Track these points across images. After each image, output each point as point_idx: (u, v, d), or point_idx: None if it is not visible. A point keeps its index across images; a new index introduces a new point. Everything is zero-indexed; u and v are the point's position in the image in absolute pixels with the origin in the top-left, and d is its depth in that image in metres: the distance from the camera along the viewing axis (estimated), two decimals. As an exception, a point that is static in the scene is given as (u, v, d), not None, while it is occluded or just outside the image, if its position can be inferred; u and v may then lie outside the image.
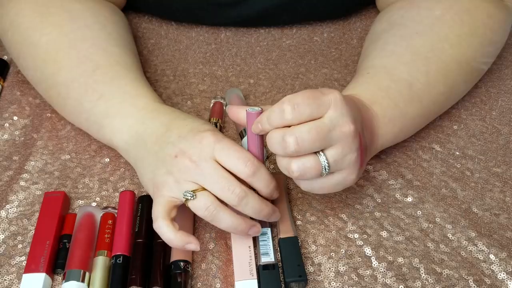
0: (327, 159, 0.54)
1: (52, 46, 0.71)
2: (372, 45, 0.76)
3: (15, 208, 0.68)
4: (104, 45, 0.72)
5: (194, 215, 0.67)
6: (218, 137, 0.57)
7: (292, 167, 0.54)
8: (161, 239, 0.62)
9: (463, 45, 0.71)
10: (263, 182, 0.58)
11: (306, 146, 0.53)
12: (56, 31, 0.72)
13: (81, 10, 0.74)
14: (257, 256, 0.62)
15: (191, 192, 0.56)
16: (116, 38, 0.74)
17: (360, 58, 0.78)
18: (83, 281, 0.59)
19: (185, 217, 0.65)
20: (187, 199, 0.56)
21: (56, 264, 0.62)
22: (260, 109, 0.57)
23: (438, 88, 0.70)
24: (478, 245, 0.64)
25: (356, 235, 0.65)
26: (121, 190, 0.70)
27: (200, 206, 0.56)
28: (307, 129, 0.52)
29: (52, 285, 0.61)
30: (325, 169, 0.54)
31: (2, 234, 0.65)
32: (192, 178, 0.57)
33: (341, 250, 0.64)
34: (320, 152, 0.54)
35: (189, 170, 0.57)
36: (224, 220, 0.57)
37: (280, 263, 0.62)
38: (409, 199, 0.69)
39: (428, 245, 0.64)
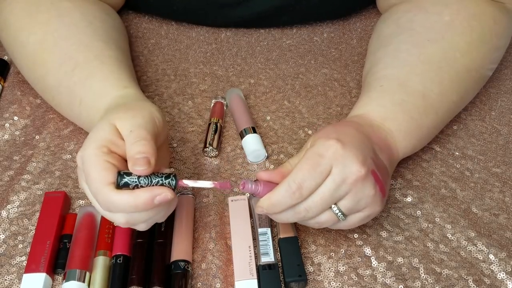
0: (340, 210, 0.56)
1: (39, 46, 0.71)
2: (383, 50, 0.74)
3: (15, 208, 0.68)
4: (87, 41, 0.71)
5: (194, 215, 0.67)
6: (83, 161, 0.54)
7: (310, 224, 0.58)
8: (161, 239, 0.63)
9: (473, 53, 0.71)
10: (123, 211, 0.54)
11: (315, 211, 0.56)
12: (42, 30, 0.72)
13: (69, 8, 0.74)
14: (257, 256, 0.62)
15: None
16: (101, 34, 0.74)
17: (368, 61, 0.77)
18: (83, 281, 0.59)
19: (185, 217, 0.65)
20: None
21: (57, 264, 0.62)
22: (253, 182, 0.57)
23: (451, 97, 0.69)
24: (477, 245, 0.64)
25: (356, 235, 0.65)
26: (122, 190, 0.70)
27: None
28: (312, 200, 0.55)
29: (52, 285, 0.61)
30: (341, 217, 0.56)
31: (3, 234, 0.65)
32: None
33: (341, 250, 0.64)
34: (333, 205, 0.56)
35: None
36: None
37: (280, 263, 0.62)
38: (409, 199, 0.69)
39: (427, 245, 0.64)
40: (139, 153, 0.52)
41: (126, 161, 0.54)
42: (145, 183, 0.53)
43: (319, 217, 0.57)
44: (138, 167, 0.52)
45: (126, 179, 0.52)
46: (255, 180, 0.57)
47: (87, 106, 0.67)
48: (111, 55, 0.71)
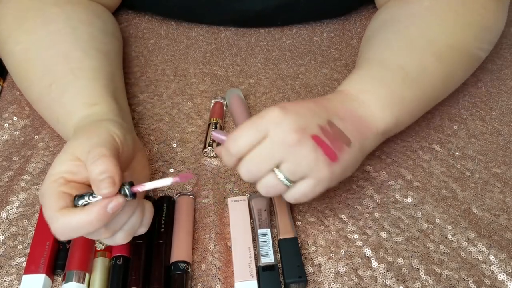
0: (283, 174, 0.56)
1: (23, 57, 0.71)
2: (366, 43, 0.76)
3: (15, 209, 0.68)
4: (66, 51, 0.70)
5: (194, 216, 0.67)
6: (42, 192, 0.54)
7: (259, 189, 0.59)
8: (160, 239, 0.63)
9: (456, 31, 0.72)
10: (80, 231, 0.53)
11: (256, 172, 0.57)
12: (27, 38, 0.72)
13: (56, 13, 0.73)
14: (257, 257, 0.62)
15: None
16: (84, 40, 0.73)
17: (357, 59, 0.78)
18: (83, 282, 0.59)
19: (185, 218, 0.65)
20: None
21: (56, 265, 0.62)
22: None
23: (434, 73, 0.69)
24: (478, 246, 0.64)
25: (356, 236, 0.65)
26: (121, 190, 0.70)
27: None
28: (249, 158, 0.57)
29: (52, 286, 0.61)
30: (287, 182, 0.57)
31: (2, 235, 0.65)
32: None
33: (341, 250, 0.64)
34: (275, 169, 0.56)
35: None
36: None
37: (280, 264, 0.62)
38: (409, 199, 0.69)
39: (428, 246, 0.64)
40: (101, 173, 0.51)
41: (89, 186, 0.53)
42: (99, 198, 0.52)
43: (265, 180, 0.57)
44: (103, 190, 0.51)
45: (82, 200, 0.52)
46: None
47: (63, 125, 0.67)
48: (89, 66, 0.70)
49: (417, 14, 0.73)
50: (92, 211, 0.50)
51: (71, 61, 0.69)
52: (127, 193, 0.52)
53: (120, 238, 0.55)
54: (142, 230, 0.57)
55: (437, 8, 0.73)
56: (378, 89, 0.65)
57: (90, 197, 0.52)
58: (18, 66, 0.72)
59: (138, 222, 0.56)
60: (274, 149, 0.56)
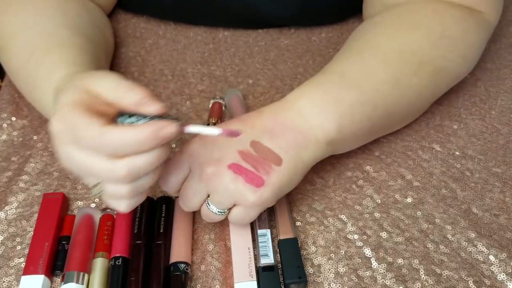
0: (211, 204, 0.59)
1: (6, 32, 0.70)
2: None
3: (14, 210, 0.68)
4: (52, 29, 0.69)
5: (194, 216, 0.67)
6: (63, 120, 0.49)
7: (207, 219, 0.61)
8: (160, 240, 0.63)
9: (402, 37, 0.69)
10: (126, 148, 0.48)
11: (191, 205, 0.60)
12: (12, 17, 0.71)
13: (46, 1, 0.73)
14: (256, 257, 0.62)
15: (96, 188, 0.52)
16: (72, 24, 0.71)
17: None
18: (82, 283, 0.59)
19: (184, 218, 0.65)
20: (93, 194, 0.52)
21: (55, 266, 0.62)
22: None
23: (377, 75, 0.66)
24: (478, 246, 0.64)
25: (356, 236, 0.65)
26: (120, 191, 0.70)
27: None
28: (181, 193, 0.60)
29: (51, 287, 0.61)
30: (218, 212, 0.59)
31: (1, 235, 0.65)
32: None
33: (341, 251, 0.64)
34: (207, 200, 0.59)
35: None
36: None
37: (280, 265, 0.62)
38: (409, 199, 0.68)
39: (428, 246, 0.64)
40: (146, 95, 0.49)
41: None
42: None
43: (201, 211, 0.60)
44: (155, 106, 0.48)
45: (130, 119, 0.48)
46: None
47: (40, 89, 0.63)
48: (75, 41, 0.67)
49: (365, 29, 0.73)
50: (143, 130, 0.47)
51: (57, 36, 0.68)
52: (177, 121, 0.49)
53: (137, 196, 0.53)
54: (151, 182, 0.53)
55: (386, 20, 0.72)
56: (312, 91, 0.63)
57: (139, 119, 0.48)
58: (0, 43, 0.71)
59: (154, 174, 0.53)
60: (197, 183, 0.58)
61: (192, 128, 0.50)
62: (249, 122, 0.61)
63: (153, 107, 0.48)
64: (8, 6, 0.72)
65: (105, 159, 0.48)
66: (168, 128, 0.47)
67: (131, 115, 0.48)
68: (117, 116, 0.49)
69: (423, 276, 0.61)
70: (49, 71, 0.62)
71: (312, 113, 0.61)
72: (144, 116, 0.48)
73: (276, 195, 0.59)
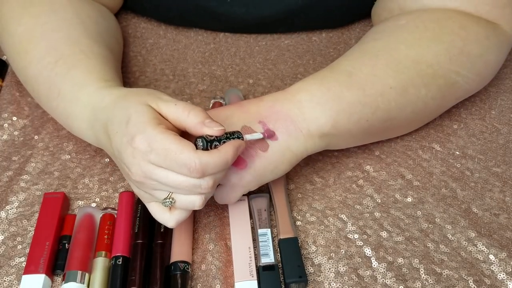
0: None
1: (26, 37, 0.70)
2: None
3: (15, 209, 0.68)
4: (76, 36, 0.70)
5: (194, 216, 0.67)
6: (150, 141, 0.52)
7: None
8: (160, 239, 0.63)
9: (422, 47, 0.68)
10: (216, 170, 0.54)
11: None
12: (32, 21, 0.71)
13: (64, 5, 0.73)
14: (257, 257, 0.62)
15: (168, 200, 0.55)
16: (92, 32, 0.72)
17: None
18: (82, 282, 0.59)
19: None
20: (166, 205, 0.56)
21: (56, 265, 0.62)
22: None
23: (385, 80, 0.66)
24: (478, 246, 0.64)
25: (356, 236, 0.65)
26: (121, 190, 0.70)
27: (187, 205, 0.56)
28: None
29: (51, 286, 0.61)
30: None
31: (2, 235, 0.65)
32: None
33: (341, 250, 0.64)
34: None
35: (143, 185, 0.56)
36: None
37: (280, 264, 0.62)
38: (409, 199, 0.69)
39: (428, 245, 0.64)
40: (206, 118, 0.54)
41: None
42: (223, 140, 0.55)
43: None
44: (217, 127, 0.54)
45: (212, 143, 0.54)
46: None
47: (65, 98, 0.65)
48: (99, 52, 0.70)
49: (387, 30, 0.72)
50: (228, 151, 0.54)
51: (80, 45, 0.69)
52: (241, 138, 0.57)
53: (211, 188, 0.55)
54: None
55: (411, 25, 0.71)
56: (315, 87, 0.64)
57: (218, 141, 0.55)
58: (18, 46, 0.71)
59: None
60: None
61: (248, 137, 0.58)
62: (245, 108, 0.63)
63: (216, 129, 0.54)
64: (27, 7, 0.72)
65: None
66: (242, 145, 0.56)
67: (209, 139, 0.54)
68: (199, 141, 0.54)
69: (423, 275, 0.61)
70: (77, 84, 0.65)
71: (309, 107, 0.63)
72: (217, 138, 0.55)
73: (257, 180, 0.61)
